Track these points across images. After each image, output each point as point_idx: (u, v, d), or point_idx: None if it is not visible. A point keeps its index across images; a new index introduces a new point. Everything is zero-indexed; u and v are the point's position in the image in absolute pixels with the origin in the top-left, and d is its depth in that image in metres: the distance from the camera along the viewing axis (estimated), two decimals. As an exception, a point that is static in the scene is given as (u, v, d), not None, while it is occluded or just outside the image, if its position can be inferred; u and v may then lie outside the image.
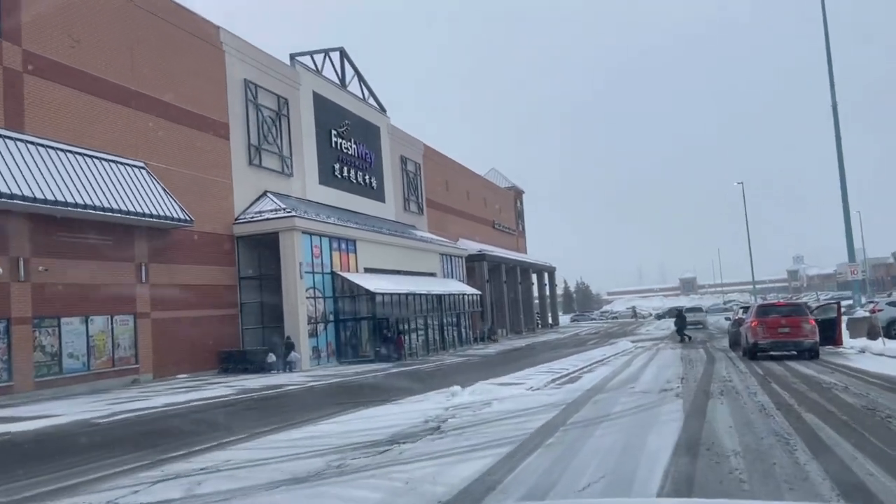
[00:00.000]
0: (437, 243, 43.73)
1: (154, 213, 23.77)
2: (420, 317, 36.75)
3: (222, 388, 20.10)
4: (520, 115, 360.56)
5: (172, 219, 24.50)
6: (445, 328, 39.84)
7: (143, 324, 24.39)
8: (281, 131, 32.39)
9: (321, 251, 30.67)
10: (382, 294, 31.78)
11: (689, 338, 33.02)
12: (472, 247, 51.76)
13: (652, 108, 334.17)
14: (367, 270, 34.01)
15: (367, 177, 40.12)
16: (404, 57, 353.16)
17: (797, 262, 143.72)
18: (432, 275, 42.39)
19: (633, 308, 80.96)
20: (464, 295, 42.29)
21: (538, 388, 12.68)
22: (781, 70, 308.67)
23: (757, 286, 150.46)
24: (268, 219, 28.93)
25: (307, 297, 29.35)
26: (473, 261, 50.66)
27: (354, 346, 31.90)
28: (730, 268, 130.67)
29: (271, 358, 25.80)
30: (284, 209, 29.38)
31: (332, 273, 31.32)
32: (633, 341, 33.74)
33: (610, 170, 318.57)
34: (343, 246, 32.57)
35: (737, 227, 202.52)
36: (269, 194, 30.66)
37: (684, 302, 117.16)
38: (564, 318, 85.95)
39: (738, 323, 24.49)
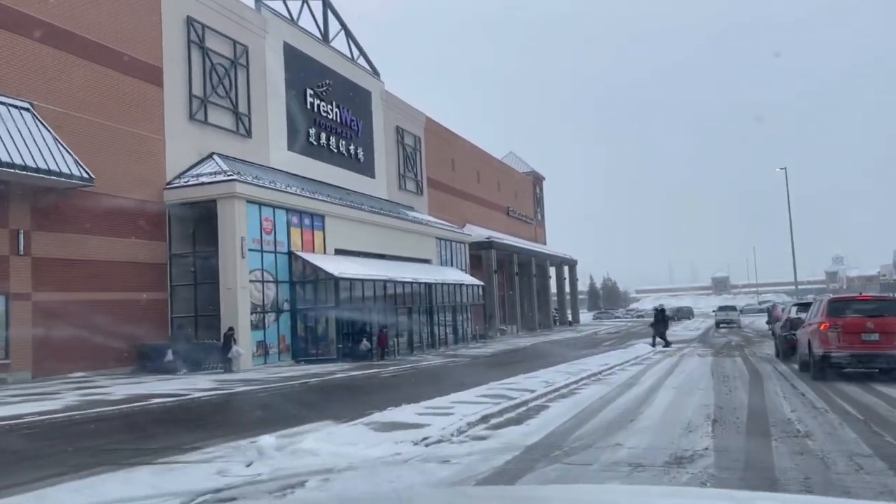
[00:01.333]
0: (433, 226, 37.67)
1: (34, 166, 18.08)
2: (404, 309, 30.81)
3: (73, 396, 14.33)
4: (546, 107, 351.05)
5: (63, 175, 18.79)
6: (437, 323, 33.83)
7: (20, 307, 18.76)
8: (236, 83, 26.58)
9: (274, 226, 24.81)
10: (351, 279, 25.84)
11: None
12: (479, 233, 45.63)
13: (682, 103, 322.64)
14: (338, 252, 28.13)
15: (352, 147, 34.20)
16: (423, 34, 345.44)
17: (837, 263, 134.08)
18: (427, 262, 36.39)
19: (661, 305, 73.93)
20: (461, 285, 36.19)
21: (441, 440, 6.63)
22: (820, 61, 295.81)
23: (793, 286, 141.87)
24: (203, 183, 23.14)
25: (252, 281, 23.55)
26: (480, 249, 44.53)
27: (316, 342, 26.02)
28: (763, 268, 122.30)
29: (169, 356, 19.98)
30: (227, 172, 23.60)
31: (290, 253, 25.46)
32: (653, 344, 27.42)
33: (642, 167, 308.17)
34: (307, 222, 26.69)
35: (771, 225, 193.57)
36: (216, 156, 24.87)
37: (716, 302, 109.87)
38: (587, 316, 79.28)
39: (794, 325, 18.05)
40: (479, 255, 45.03)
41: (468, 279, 37.69)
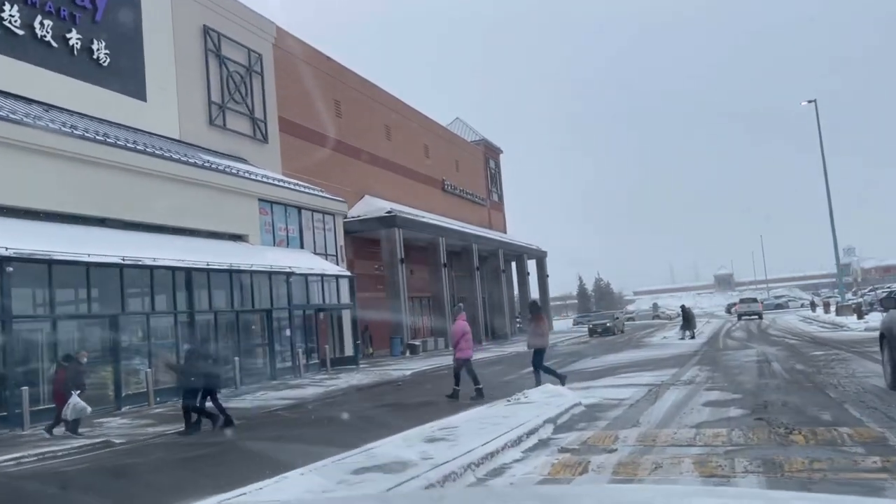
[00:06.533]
0: (254, 179, 21.54)
1: None
2: (119, 319, 14.76)
3: None
4: (542, 107, 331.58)
5: None
6: (228, 345, 17.63)
7: None
8: None
9: None
10: None
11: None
12: (378, 206, 29.56)
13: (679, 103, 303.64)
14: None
15: (74, 37, 18.14)
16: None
17: (849, 255, 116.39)
18: (238, 239, 20.38)
19: (655, 305, 57.39)
20: (292, 276, 19.98)
21: None
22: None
23: (803, 282, 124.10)
24: None
25: None
26: (378, 227, 28.44)
27: None
28: (768, 264, 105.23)
29: None
30: None
31: None
32: (597, 375, 11.15)
33: (641, 165, 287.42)
34: None
35: (774, 221, 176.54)
36: None
37: (721, 300, 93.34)
38: (565, 322, 62.55)
39: None
40: (375, 239, 29.03)
41: (308, 264, 21.36)
